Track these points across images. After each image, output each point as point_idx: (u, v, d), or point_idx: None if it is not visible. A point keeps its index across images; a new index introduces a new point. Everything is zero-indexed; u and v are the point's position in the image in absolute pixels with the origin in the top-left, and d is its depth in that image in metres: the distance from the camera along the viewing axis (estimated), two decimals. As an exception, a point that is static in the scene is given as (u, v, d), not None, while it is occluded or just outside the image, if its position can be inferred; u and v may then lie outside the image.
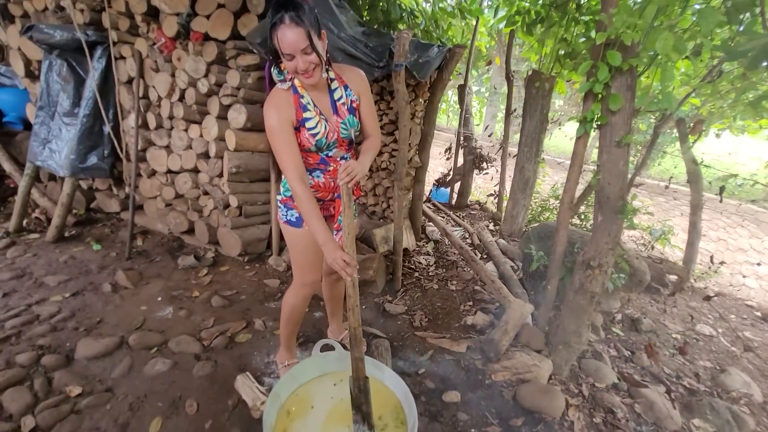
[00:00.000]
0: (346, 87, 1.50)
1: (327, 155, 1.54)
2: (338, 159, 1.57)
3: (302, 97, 1.41)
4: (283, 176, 1.61)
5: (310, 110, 1.42)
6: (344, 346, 1.80)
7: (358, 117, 1.55)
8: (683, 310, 3.33)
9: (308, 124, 1.42)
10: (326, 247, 1.38)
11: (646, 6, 1.52)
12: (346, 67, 1.55)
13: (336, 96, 1.48)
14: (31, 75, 3.30)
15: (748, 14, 1.90)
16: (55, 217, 3.02)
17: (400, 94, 2.30)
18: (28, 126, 3.63)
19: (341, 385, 1.59)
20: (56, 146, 3.05)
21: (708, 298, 3.38)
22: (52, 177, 3.60)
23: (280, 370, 1.96)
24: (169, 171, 3.06)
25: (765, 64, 1.80)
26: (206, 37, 2.56)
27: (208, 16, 2.52)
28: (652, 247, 3.83)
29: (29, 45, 3.08)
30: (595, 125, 1.75)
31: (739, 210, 7.16)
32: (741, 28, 1.88)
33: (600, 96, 1.65)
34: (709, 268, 3.92)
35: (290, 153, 1.39)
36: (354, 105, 1.52)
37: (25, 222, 3.19)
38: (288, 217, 1.62)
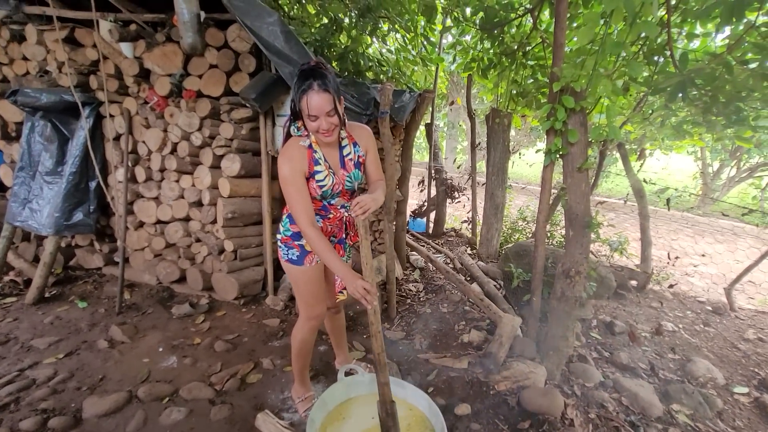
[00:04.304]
0: (355, 144, 1.66)
1: (329, 203, 1.68)
2: (339, 207, 1.73)
3: (315, 152, 1.55)
4: (283, 216, 1.75)
5: (321, 164, 1.56)
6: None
7: (363, 171, 1.71)
8: (647, 310, 3.69)
9: (317, 177, 1.56)
10: (346, 279, 1.50)
11: (585, 60, 1.90)
12: (355, 125, 1.70)
13: (345, 152, 1.63)
14: (7, 137, 3.28)
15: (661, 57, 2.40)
16: (36, 278, 2.93)
17: (386, 138, 2.57)
18: (-3, 188, 3.55)
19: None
20: (37, 206, 3.01)
21: (671, 286, 3.85)
22: (26, 237, 3.49)
23: (297, 404, 2.02)
24: (159, 221, 3.09)
25: (680, 95, 2.24)
26: (199, 94, 2.73)
27: (200, 76, 2.71)
28: (611, 258, 4.25)
29: (8, 108, 3.10)
30: (558, 155, 2.08)
31: (675, 217, 8.07)
32: (657, 69, 2.36)
33: (560, 132, 1.99)
34: (668, 263, 4.43)
35: (301, 200, 1.51)
36: (360, 160, 1.68)
37: (-1, 286, 3.06)
38: (289, 256, 1.72)
